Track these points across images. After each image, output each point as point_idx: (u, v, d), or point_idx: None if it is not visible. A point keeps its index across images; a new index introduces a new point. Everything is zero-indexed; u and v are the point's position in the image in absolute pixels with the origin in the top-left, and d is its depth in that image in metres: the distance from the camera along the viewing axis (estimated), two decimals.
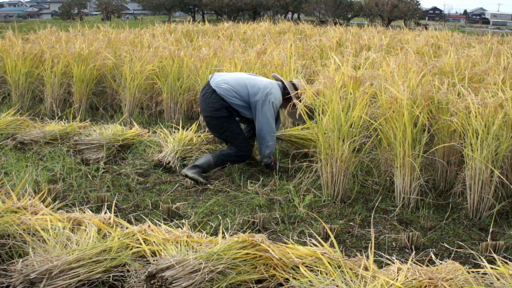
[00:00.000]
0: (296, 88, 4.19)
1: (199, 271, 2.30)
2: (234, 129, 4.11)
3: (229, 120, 4.10)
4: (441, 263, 2.57)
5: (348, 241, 3.10)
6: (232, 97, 4.06)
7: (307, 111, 3.79)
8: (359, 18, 33.12)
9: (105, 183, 3.88)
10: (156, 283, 2.26)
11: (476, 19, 63.22)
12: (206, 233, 2.95)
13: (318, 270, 2.41)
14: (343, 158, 3.54)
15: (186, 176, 3.93)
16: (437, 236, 3.16)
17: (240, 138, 4.12)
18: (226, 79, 4.14)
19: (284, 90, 4.21)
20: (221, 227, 3.07)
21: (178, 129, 4.87)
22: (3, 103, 6.46)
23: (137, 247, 2.58)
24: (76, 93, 6.06)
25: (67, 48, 6.46)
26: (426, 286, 2.29)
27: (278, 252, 2.48)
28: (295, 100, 4.00)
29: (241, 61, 5.42)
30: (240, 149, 4.11)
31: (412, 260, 2.55)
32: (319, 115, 3.66)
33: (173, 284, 2.24)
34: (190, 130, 4.86)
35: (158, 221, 3.10)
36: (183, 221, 3.19)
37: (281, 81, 4.30)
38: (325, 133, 3.59)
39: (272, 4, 32.22)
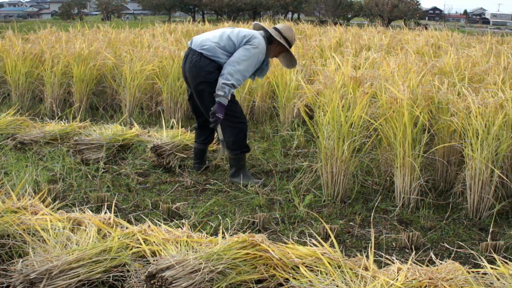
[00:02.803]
0: (280, 33, 3.91)
1: (199, 271, 2.30)
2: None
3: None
4: (441, 263, 2.57)
5: (348, 241, 3.10)
6: (220, 54, 3.75)
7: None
8: (359, 18, 33.17)
9: (105, 183, 3.88)
10: (156, 283, 2.26)
11: (476, 19, 63.26)
12: (206, 233, 2.94)
13: (318, 270, 2.41)
14: (343, 158, 3.54)
15: (234, 182, 3.90)
16: (437, 236, 3.16)
17: (234, 105, 3.83)
18: (208, 37, 3.82)
19: (269, 38, 3.89)
20: (221, 227, 3.06)
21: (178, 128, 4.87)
22: (3, 103, 6.46)
23: (137, 247, 2.58)
24: (76, 93, 6.06)
25: (67, 48, 6.47)
26: (426, 286, 2.29)
27: (278, 252, 2.48)
28: (282, 41, 3.82)
29: None
30: (236, 121, 3.83)
31: (412, 260, 2.55)
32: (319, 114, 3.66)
33: (173, 284, 2.24)
34: (189, 128, 4.87)
35: (158, 221, 3.10)
36: (183, 221, 3.19)
37: (264, 29, 3.95)
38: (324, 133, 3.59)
39: (272, 4, 32.25)
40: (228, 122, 3.81)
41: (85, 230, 2.75)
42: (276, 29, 3.94)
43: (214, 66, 3.76)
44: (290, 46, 3.97)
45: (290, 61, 4.09)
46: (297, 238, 3.04)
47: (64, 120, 5.41)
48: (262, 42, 3.79)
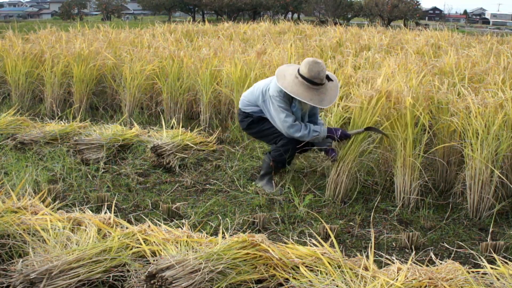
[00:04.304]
0: (302, 76, 3.55)
1: (199, 271, 2.30)
2: (264, 126, 3.87)
3: (257, 123, 3.92)
4: (441, 263, 2.57)
5: (348, 241, 3.10)
6: (247, 106, 3.93)
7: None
8: (359, 18, 33.16)
9: (105, 183, 3.88)
10: (156, 283, 2.26)
11: (476, 19, 63.23)
12: (206, 233, 2.95)
13: (318, 270, 2.41)
14: (348, 159, 3.54)
15: (257, 185, 3.90)
16: (437, 236, 3.16)
17: (273, 134, 3.84)
18: (246, 91, 4.08)
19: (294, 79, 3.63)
20: (221, 227, 3.07)
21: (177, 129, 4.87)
22: (3, 103, 6.45)
23: (137, 247, 2.58)
24: (76, 93, 6.06)
25: (67, 48, 6.46)
26: (426, 286, 2.29)
27: (278, 252, 2.48)
28: (285, 86, 3.55)
29: (241, 61, 5.42)
30: (277, 145, 3.82)
31: (412, 260, 2.55)
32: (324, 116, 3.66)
33: (173, 284, 2.24)
34: (189, 128, 4.86)
35: (158, 221, 3.10)
36: (183, 221, 3.19)
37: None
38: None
39: (272, 4, 32.24)
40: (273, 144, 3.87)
41: (85, 230, 2.75)
42: (298, 70, 3.61)
43: (243, 116, 3.99)
44: (312, 82, 3.52)
45: (320, 100, 3.57)
46: (297, 238, 3.04)
47: (64, 120, 5.41)
48: (275, 87, 3.66)
